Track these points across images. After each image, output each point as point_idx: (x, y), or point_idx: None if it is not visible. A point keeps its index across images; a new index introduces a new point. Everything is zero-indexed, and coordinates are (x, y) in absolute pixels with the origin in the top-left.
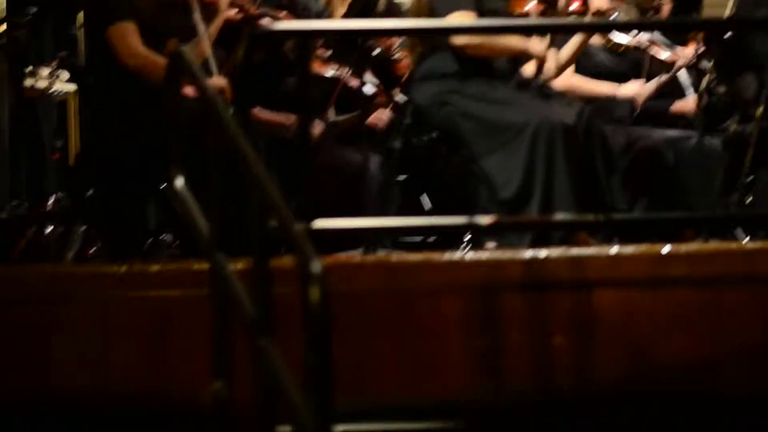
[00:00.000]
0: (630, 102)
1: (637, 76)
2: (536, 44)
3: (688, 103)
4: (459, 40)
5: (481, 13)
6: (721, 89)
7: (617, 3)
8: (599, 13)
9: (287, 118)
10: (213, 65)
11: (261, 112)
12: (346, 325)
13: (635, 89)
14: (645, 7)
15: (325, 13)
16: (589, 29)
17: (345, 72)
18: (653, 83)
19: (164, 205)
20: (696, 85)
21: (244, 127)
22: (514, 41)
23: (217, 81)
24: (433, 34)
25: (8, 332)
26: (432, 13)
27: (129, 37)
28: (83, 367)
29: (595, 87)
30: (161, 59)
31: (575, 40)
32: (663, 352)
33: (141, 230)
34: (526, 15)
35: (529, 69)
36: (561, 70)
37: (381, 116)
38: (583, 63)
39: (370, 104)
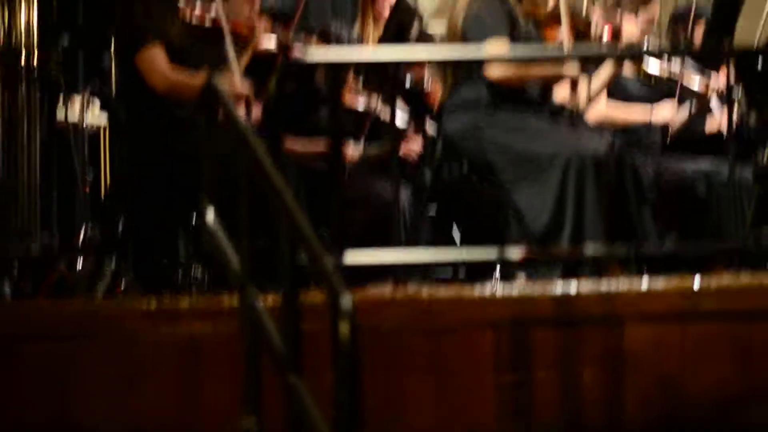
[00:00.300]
0: (660, 129)
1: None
2: (570, 68)
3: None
4: (494, 73)
5: (514, 38)
6: (753, 119)
7: (647, 31)
8: (630, 41)
9: (318, 147)
10: None
11: (293, 143)
12: (376, 360)
13: (669, 113)
14: (677, 39)
15: (358, 43)
16: (621, 58)
17: (377, 102)
18: (684, 113)
19: (195, 238)
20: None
21: (276, 158)
22: (547, 67)
23: (241, 87)
24: (465, 61)
25: (39, 367)
26: (464, 41)
27: (157, 60)
28: (111, 402)
29: (628, 113)
30: (191, 79)
31: (606, 70)
32: (693, 388)
33: (171, 264)
34: (560, 43)
35: (560, 95)
36: (592, 99)
37: (412, 147)
38: (615, 92)
39: (401, 135)
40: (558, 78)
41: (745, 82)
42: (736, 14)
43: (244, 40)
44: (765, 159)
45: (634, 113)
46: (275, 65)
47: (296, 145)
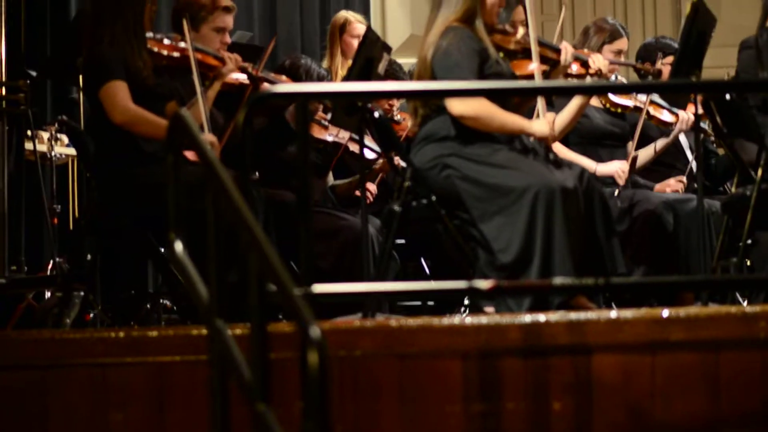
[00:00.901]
0: (632, 162)
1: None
2: (538, 125)
3: (668, 183)
4: (456, 109)
5: (483, 73)
6: (721, 151)
7: (616, 65)
8: (599, 74)
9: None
10: (208, 129)
11: (261, 177)
12: (346, 390)
13: (616, 167)
14: (644, 72)
15: (328, 77)
16: (590, 91)
17: (344, 136)
18: (651, 148)
19: (163, 270)
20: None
21: (244, 191)
22: (511, 120)
23: (206, 136)
24: (432, 96)
25: (5, 398)
26: (434, 78)
27: (119, 94)
28: None
29: (575, 159)
30: (151, 115)
31: (574, 104)
32: (663, 417)
33: (140, 295)
34: (530, 76)
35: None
36: (560, 135)
37: (371, 188)
38: (582, 123)
39: (369, 168)
40: (520, 133)
41: (713, 115)
42: (704, 48)
43: (213, 73)
44: (733, 189)
45: (581, 160)
46: (244, 98)
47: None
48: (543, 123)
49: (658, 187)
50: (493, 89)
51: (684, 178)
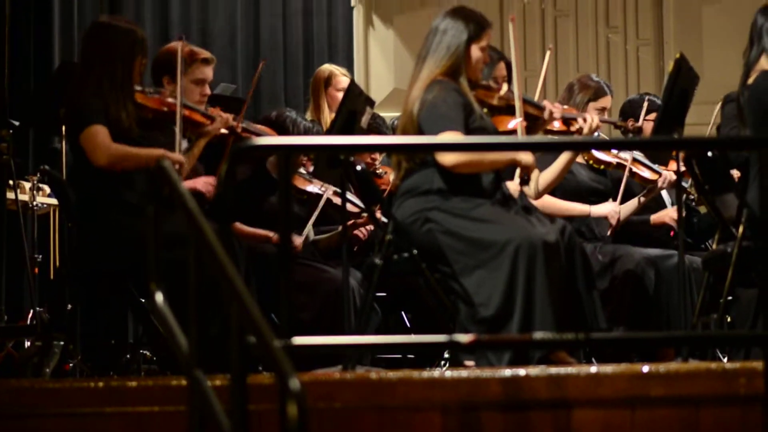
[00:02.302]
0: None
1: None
2: (524, 154)
3: (667, 213)
4: (447, 160)
5: (468, 126)
6: (702, 208)
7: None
8: (581, 132)
9: (268, 235)
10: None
11: (242, 228)
12: None
13: (609, 208)
14: (627, 129)
15: (314, 129)
16: (574, 147)
17: (327, 189)
18: (635, 201)
19: (144, 320)
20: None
21: (226, 242)
22: (500, 155)
23: (175, 156)
24: (417, 150)
25: None
26: (420, 132)
27: (99, 136)
28: None
29: (568, 206)
30: (133, 149)
31: (561, 161)
32: None
33: (120, 345)
34: (512, 132)
35: (512, 187)
36: (544, 192)
37: (361, 231)
38: (567, 180)
39: (351, 221)
40: (510, 164)
41: (695, 172)
42: (686, 105)
43: (199, 129)
44: (714, 246)
45: (574, 206)
46: (226, 150)
47: (246, 229)
48: (528, 153)
49: (654, 217)
50: (476, 144)
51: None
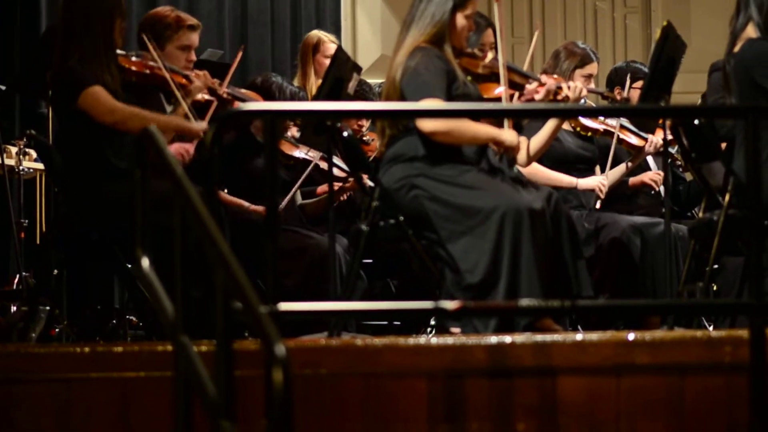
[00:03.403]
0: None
1: (606, 161)
2: (508, 133)
3: (645, 174)
4: (426, 126)
5: (451, 94)
6: (688, 175)
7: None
8: (568, 98)
9: (244, 205)
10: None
11: (224, 196)
12: (311, 408)
13: (596, 181)
14: (614, 100)
15: (300, 94)
16: (560, 114)
17: (315, 154)
18: (622, 167)
19: (130, 286)
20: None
21: (211, 208)
22: (483, 130)
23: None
24: (401, 117)
25: None
26: (402, 99)
27: (101, 97)
28: None
29: (555, 177)
30: (140, 110)
31: (548, 127)
32: None
33: (106, 310)
34: (498, 100)
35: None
36: (533, 159)
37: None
38: (554, 147)
39: (338, 185)
40: (492, 141)
41: (681, 140)
42: (673, 73)
43: (181, 90)
44: (700, 214)
45: (561, 177)
46: (212, 115)
47: (231, 196)
48: (512, 133)
49: (633, 179)
50: (461, 110)
51: (661, 172)
